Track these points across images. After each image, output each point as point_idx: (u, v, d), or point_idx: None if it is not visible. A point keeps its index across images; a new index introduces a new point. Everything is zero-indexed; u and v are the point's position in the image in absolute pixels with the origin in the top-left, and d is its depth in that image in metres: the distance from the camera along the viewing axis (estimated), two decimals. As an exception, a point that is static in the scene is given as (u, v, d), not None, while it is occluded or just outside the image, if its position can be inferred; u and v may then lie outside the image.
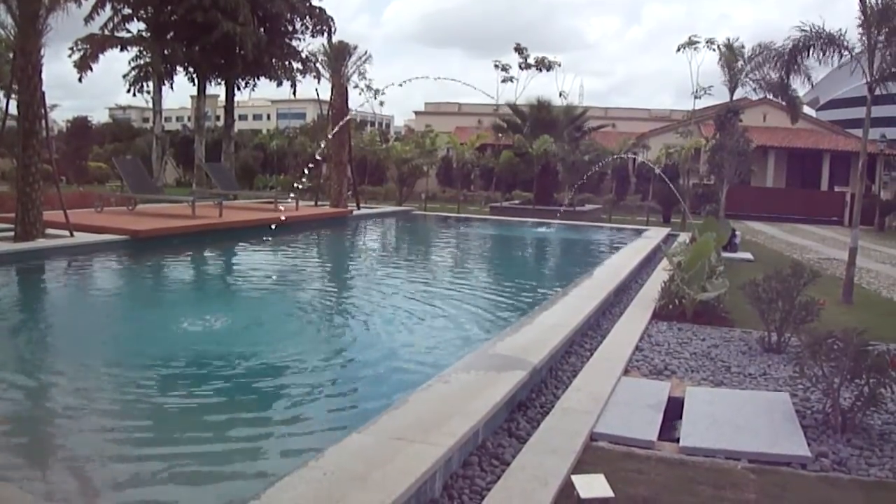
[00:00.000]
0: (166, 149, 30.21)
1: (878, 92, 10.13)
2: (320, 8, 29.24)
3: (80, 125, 33.22)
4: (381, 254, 15.46)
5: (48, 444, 4.31)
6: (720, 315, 8.02)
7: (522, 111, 27.87)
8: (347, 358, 6.37)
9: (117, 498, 3.61)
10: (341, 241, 16.87)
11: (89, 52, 25.22)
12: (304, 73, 29.42)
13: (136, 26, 27.18)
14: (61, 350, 6.36)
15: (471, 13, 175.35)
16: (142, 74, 27.14)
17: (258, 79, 29.44)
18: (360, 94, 40.09)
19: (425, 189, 27.06)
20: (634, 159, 28.42)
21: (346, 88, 20.20)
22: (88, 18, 25.67)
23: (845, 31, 10.08)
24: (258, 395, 5.26)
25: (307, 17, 29.00)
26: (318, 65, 26.24)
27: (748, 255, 14.54)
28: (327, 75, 20.36)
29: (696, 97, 32.33)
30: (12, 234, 10.81)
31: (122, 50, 26.61)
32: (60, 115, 51.31)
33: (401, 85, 29.84)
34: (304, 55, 29.06)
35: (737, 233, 15.24)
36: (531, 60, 40.36)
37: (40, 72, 11.07)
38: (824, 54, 10.33)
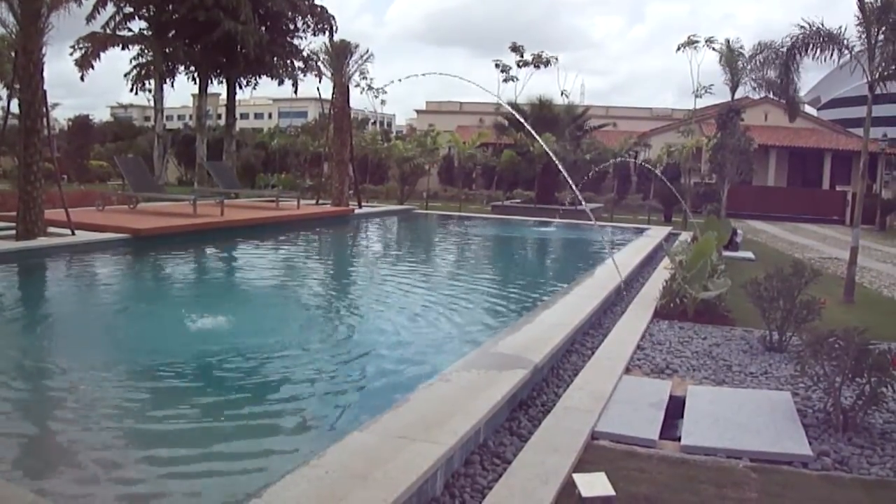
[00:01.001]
0: (168, 147, 30.20)
1: (878, 91, 10.10)
2: (322, 6, 29.26)
3: (81, 124, 33.22)
4: (383, 253, 15.46)
5: (48, 444, 4.31)
6: (721, 314, 8.01)
7: (524, 110, 27.83)
8: (352, 355, 6.38)
9: (119, 495, 3.61)
10: (343, 240, 16.87)
11: (91, 51, 25.22)
12: (305, 71, 29.42)
13: (137, 25, 27.30)
14: (62, 348, 6.35)
15: (474, 12, 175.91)
16: (143, 73, 27.10)
17: (259, 77, 29.39)
18: (361, 92, 40.13)
19: (427, 188, 27.08)
20: (635, 159, 28.38)
21: (348, 87, 20.21)
22: (90, 17, 25.73)
23: (844, 29, 10.06)
24: (258, 394, 5.24)
25: (308, 16, 28.97)
26: (319, 63, 26.22)
27: (749, 254, 14.52)
28: (329, 74, 20.36)
29: (697, 96, 32.36)
30: (14, 232, 10.81)
31: (123, 48, 26.62)
32: (62, 114, 51.40)
33: (400, 81, 29.66)
34: (305, 54, 29.09)
35: (738, 232, 15.24)
36: (528, 57, 40.27)
37: (42, 70, 11.08)
38: (822, 52, 10.28)
